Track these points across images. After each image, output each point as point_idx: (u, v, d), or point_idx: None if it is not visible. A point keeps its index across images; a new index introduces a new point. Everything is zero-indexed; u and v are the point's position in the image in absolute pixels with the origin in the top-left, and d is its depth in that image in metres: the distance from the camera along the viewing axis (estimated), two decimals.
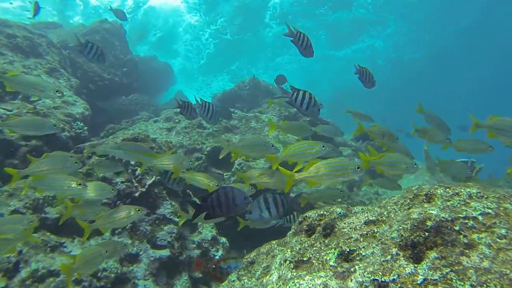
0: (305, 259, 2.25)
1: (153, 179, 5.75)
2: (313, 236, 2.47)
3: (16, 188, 5.01)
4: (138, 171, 5.69)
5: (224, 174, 8.34)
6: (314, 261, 2.19)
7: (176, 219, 5.72)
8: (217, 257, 6.51)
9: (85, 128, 7.73)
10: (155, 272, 5.28)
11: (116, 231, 5.37)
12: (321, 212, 2.56)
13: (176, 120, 9.73)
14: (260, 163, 8.38)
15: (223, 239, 6.87)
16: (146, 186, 5.65)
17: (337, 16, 26.00)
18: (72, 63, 10.89)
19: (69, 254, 4.75)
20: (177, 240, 5.63)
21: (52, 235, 4.86)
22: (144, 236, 5.47)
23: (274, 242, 2.79)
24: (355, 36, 29.22)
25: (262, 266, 2.60)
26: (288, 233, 2.76)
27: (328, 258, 2.13)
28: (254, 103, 13.88)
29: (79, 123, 7.62)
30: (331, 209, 2.54)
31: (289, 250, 2.43)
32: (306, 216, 2.66)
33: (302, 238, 2.53)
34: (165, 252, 5.42)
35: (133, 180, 5.62)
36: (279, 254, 2.55)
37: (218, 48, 30.58)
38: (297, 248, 2.39)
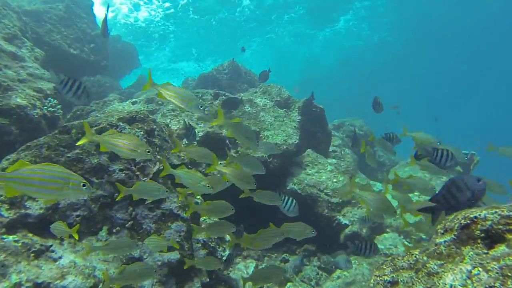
0: None
1: (157, 166, 4.76)
2: (502, 248, 1.70)
3: None
4: None
5: (219, 163, 7.41)
6: None
7: (184, 215, 4.77)
8: (224, 258, 5.65)
9: (59, 106, 6.52)
10: (164, 279, 4.33)
11: (114, 230, 4.36)
12: (505, 213, 1.79)
13: (159, 102, 8.64)
14: (258, 152, 7.53)
15: (228, 237, 6.01)
16: (151, 175, 4.66)
17: None
18: (33, 33, 9.43)
19: (59, 261, 3.70)
20: (187, 240, 4.70)
21: (35, 236, 3.78)
22: (148, 235, 4.48)
23: (416, 253, 1.98)
24: (337, 15, 28.17)
25: None
26: (439, 240, 1.97)
27: None
28: (233, 88, 12.98)
29: (51, 99, 6.40)
30: None
31: (479, 269, 1.64)
32: (475, 218, 1.87)
33: (484, 250, 1.75)
34: (174, 255, 4.48)
35: (133, 167, 4.60)
36: (446, 272, 1.77)
37: (179, 33, 29.09)
38: (494, 266, 1.61)
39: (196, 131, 7.53)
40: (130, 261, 4.26)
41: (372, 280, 1.96)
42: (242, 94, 9.78)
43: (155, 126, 5.12)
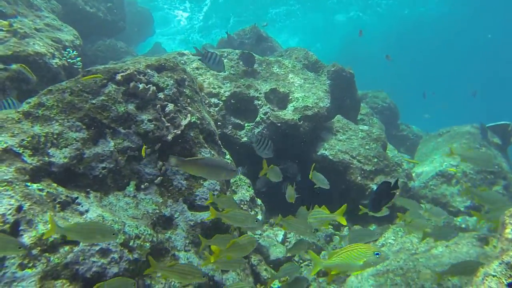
0: None
1: (188, 118, 4.33)
2: None
3: (5, 119, 3.47)
4: (171, 108, 4.24)
5: (246, 124, 7.01)
6: None
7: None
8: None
9: (79, 58, 6.09)
10: (197, 241, 3.97)
11: (142, 186, 3.98)
12: None
13: (182, 61, 8.16)
14: (288, 114, 7.08)
15: (259, 200, 5.64)
16: (182, 127, 4.24)
17: None
18: None
19: (86, 215, 3.33)
20: None
21: (60, 187, 3.41)
22: (179, 193, 4.10)
23: None
24: None
25: None
26: None
27: None
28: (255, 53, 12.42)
29: (71, 51, 5.96)
30: None
31: None
32: None
33: None
34: (208, 215, 4.10)
35: (163, 118, 4.17)
36: None
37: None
38: None
39: (223, 91, 7.07)
40: (160, 220, 3.90)
41: None
42: (267, 57, 9.25)
43: (185, 76, 4.67)
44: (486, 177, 7.45)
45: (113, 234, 2.80)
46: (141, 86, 4.17)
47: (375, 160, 7.29)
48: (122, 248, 3.23)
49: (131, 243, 3.34)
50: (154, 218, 3.84)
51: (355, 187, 6.95)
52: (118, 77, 4.14)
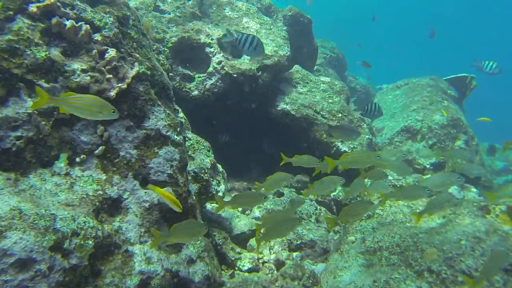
0: None
1: (136, 68, 3.28)
2: None
3: None
4: (113, 54, 3.15)
5: (196, 76, 6.02)
6: None
7: (176, 136, 3.43)
8: (220, 193, 4.47)
9: None
10: (155, 227, 3.09)
11: (78, 159, 2.96)
12: None
13: None
14: (245, 63, 6.16)
15: (220, 167, 4.81)
16: (128, 80, 3.19)
17: None
18: None
19: None
20: (181, 172, 3.41)
21: None
22: (128, 166, 3.14)
23: None
24: None
25: None
26: None
27: None
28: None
29: None
30: None
31: None
32: None
33: None
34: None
35: (103, 68, 3.09)
36: None
37: None
38: None
39: (169, 36, 5.93)
40: (105, 204, 2.95)
41: None
42: None
43: (129, 13, 3.54)
44: (449, 132, 7.20)
45: None
46: (68, 23, 3.03)
47: (340, 115, 6.68)
48: (52, 254, 2.28)
49: (66, 245, 2.39)
50: (97, 203, 2.88)
51: (320, 145, 6.34)
52: (33, 8, 2.94)
